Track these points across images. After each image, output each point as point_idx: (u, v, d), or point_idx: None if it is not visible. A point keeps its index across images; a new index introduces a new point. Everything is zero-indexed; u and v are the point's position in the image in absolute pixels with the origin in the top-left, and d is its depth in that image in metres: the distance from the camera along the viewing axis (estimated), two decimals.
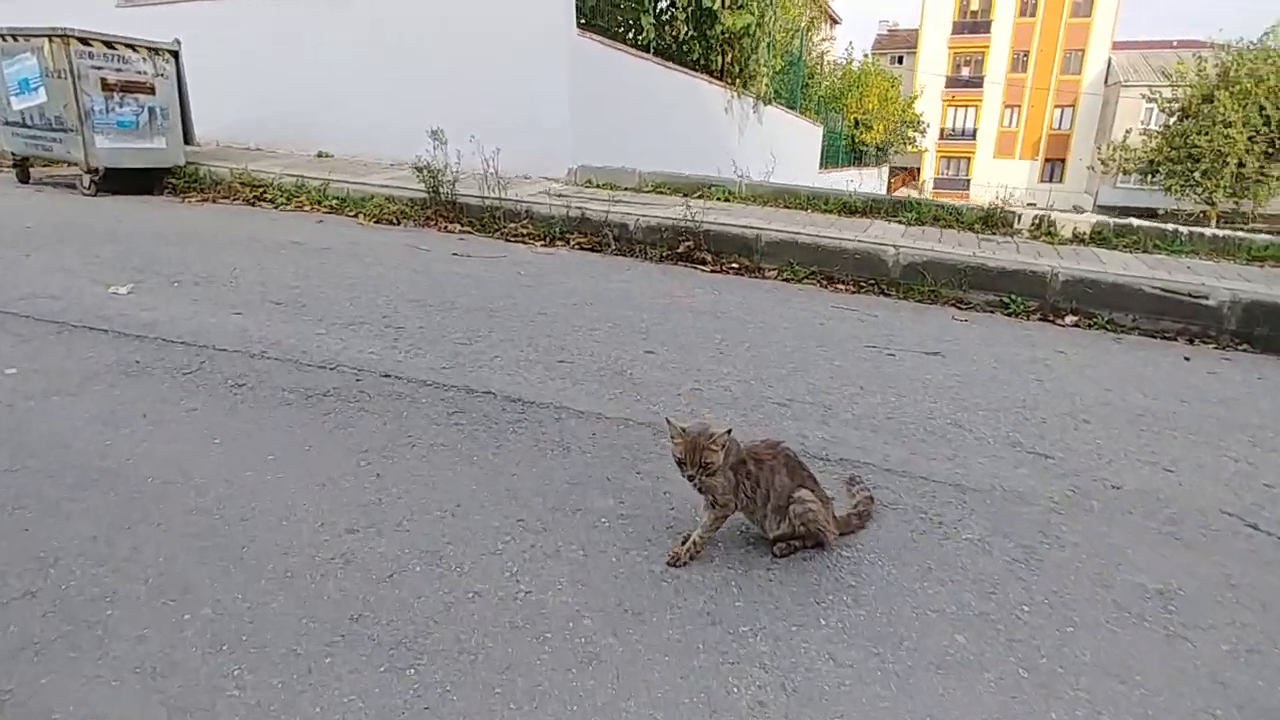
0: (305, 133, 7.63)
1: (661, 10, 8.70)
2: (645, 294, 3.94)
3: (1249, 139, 24.39)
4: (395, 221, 5.47)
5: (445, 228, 5.42)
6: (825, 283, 4.60)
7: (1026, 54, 39.44)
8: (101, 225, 4.65)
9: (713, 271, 4.76)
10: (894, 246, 4.54)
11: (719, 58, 9.92)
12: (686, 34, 8.68)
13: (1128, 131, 30.50)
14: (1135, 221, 5.09)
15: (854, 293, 4.47)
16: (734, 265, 4.84)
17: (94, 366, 2.38)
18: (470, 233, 5.37)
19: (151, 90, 5.94)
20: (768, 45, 10.72)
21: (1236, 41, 25.78)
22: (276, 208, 5.78)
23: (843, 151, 21.24)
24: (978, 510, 1.87)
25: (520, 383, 2.48)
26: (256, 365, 2.47)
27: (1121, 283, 4.06)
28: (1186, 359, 3.58)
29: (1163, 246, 4.90)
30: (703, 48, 9.47)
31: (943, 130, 41.82)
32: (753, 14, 9.51)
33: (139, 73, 5.83)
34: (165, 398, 2.20)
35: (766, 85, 11.35)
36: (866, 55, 28.24)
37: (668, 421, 1.54)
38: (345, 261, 4.07)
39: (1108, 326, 4.03)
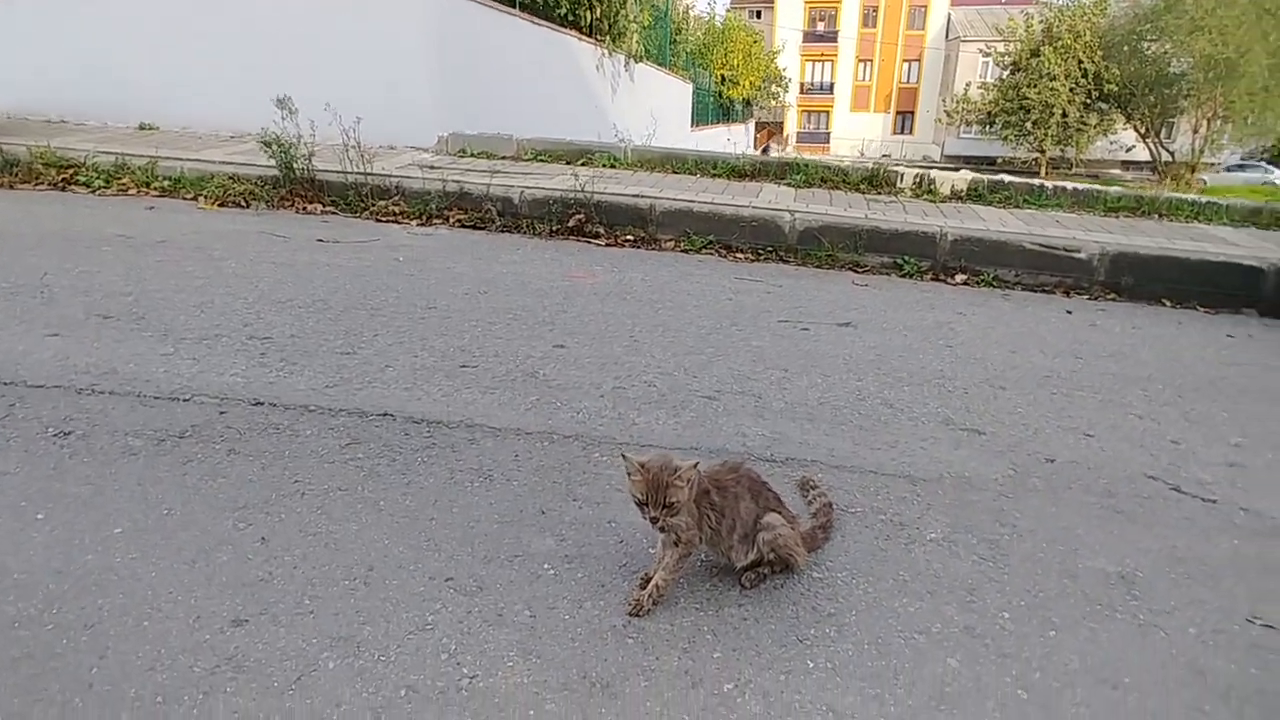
0: (123, 102, 6.58)
1: None
2: (542, 276, 3.66)
3: (1070, 90, 26.72)
4: (244, 204, 4.81)
5: (303, 208, 4.84)
6: (724, 252, 4.49)
7: (875, 9, 41.09)
8: None
9: (607, 245, 4.53)
10: (789, 212, 4.48)
11: (587, 13, 9.50)
12: None
13: (967, 85, 32.65)
14: (1006, 178, 5.32)
15: (753, 260, 4.39)
16: (629, 238, 4.62)
17: None
18: (334, 213, 4.83)
19: None
20: (635, 2, 10.42)
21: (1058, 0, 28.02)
22: (94, 192, 4.94)
23: (712, 109, 21.32)
24: (934, 505, 1.80)
25: (421, 398, 2.18)
26: (86, 404, 2.01)
27: (1004, 239, 4.21)
28: (1069, 312, 3.76)
29: (1031, 201, 5.15)
30: (570, 2, 9.02)
31: (803, 85, 43.01)
32: None
33: None
34: None
35: (637, 41, 11.06)
36: (728, 9, 28.36)
37: (624, 457, 1.33)
38: (189, 257, 3.50)
39: (994, 283, 4.18)
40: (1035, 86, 27.12)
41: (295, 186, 4.93)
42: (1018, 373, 2.77)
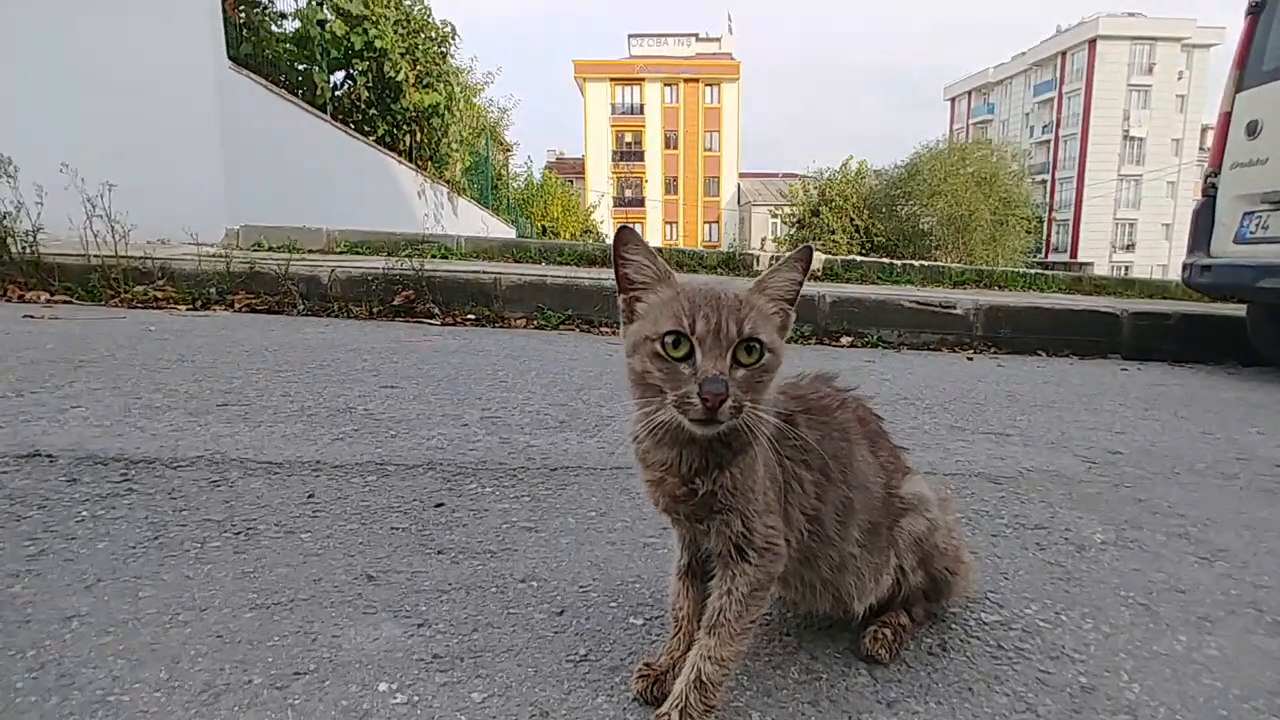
0: None
1: (337, 78, 7.67)
2: (361, 341, 2.76)
3: (848, 241, 30.53)
4: None
5: (20, 295, 3.58)
6: (586, 327, 3.83)
7: (676, 179, 45.65)
8: None
9: (444, 324, 3.71)
10: None
11: (407, 137, 9.10)
12: (368, 100, 7.73)
13: (763, 239, 36.45)
14: (857, 258, 5.28)
15: None
16: (470, 316, 3.84)
17: None
18: (69, 302, 3.60)
19: None
20: (458, 131, 10.24)
21: (825, 170, 32.70)
22: None
23: None
24: (1050, 502, 1.12)
25: (125, 434, 1.20)
26: None
27: (883, 298, 3.95)
28: (970, 359, 3.47)
29: (885, 278, 5.10)
30: (388, 124, 8.59)
31: None
32: (440, 94, 8.95)
33: None
34: None
35: (460, 174, 10.80)
36: (547, 170, 29.91)
37: (622, 235, 0.53)
38: None
39: (878, 344, 3.85)
40: (820, 239, 30.69)
41: (9, 271, 3.66)
42: (978, 394, 2.28)
